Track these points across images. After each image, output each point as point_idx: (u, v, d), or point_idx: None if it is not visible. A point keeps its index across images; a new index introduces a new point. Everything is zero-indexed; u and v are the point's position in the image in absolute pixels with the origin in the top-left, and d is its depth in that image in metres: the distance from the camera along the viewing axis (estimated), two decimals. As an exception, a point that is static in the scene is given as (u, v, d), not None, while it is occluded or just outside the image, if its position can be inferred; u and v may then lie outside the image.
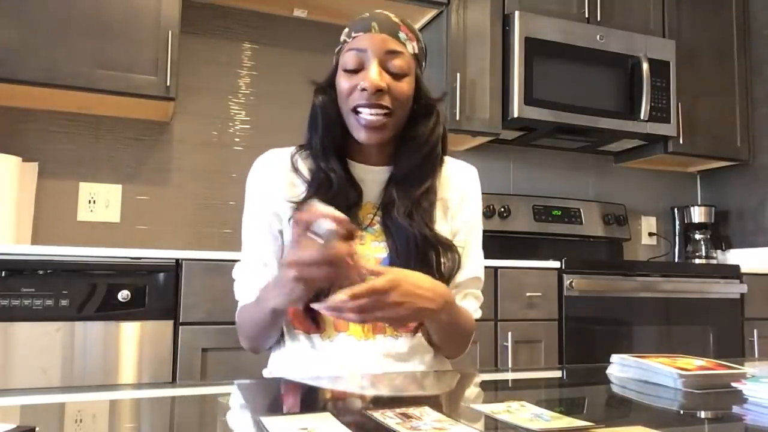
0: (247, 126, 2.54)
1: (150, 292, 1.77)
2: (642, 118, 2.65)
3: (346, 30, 1.09)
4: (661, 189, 3.25)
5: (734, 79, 2.98)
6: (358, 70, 1.04)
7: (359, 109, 1.03)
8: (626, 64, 2.68)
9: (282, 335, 1.10)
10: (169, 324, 1.78)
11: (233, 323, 1.83)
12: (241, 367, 1.83)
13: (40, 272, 1.68)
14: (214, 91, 2.50)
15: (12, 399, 0.78)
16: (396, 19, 1.08)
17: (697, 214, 3.06)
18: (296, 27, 2.63)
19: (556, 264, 2.24)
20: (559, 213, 2.88)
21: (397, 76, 1.04)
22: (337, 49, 1.11)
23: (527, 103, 2.51)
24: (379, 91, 1.01)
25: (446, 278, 1.06)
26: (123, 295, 1.73)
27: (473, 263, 1.13)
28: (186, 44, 2.37)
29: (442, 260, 1.05)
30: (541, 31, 2.55)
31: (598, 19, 2.70)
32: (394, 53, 1.04)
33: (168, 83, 2.08)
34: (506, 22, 2.56)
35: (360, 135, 1.05)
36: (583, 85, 2.61)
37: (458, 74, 2.45)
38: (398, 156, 1.11)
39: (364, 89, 1.01)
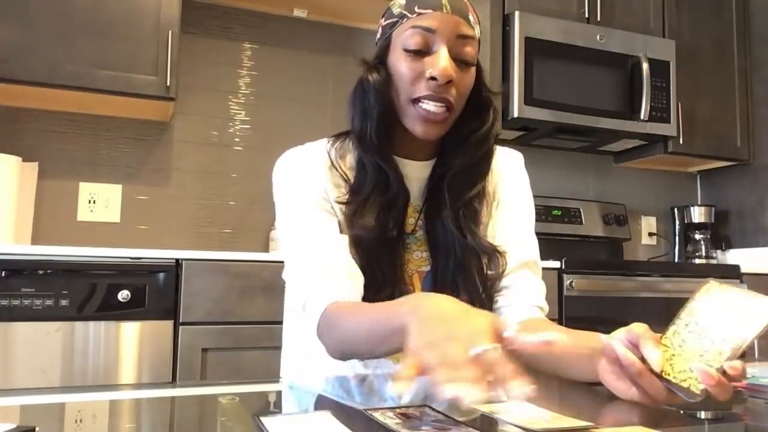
0: (247, 126, 2.54)
1: (150, 292, 1.77)
2: (642, 118, 2.65)
3: (402, 1, 0.93)
4: (661, 189, 3.25)
5: (734, 79, 2.98)
6: (422, 52, 0.90)
7: (423, 100, 0.90)
8: (626, 64, 2.68)
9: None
10: (169, 324, 1.78)
11: (233, 323, 1.82)
12: (241, 367, 1.83)
13: (40, 272, 1.68)
14: (214, 91, 2.50)
15: (12, 399, 0.78)
16: None
17: (697, 214, 3.06)
18: (296, 27, 2.63)
19: (556, 264, 2.24)
20: (559, 213, 2.87)
21: (464, 65, 0.92)
22: (389, 22, 0.95)
23: (527, 103, 2.51)
24: (448, 82, 0.89)
25: (490, 287, 0.98)
26: (123, 295, 1.73)
27: (522, 248, 1.02)
28: (186, 44, 2.37)
29: (485, 268, 0.97)
30: (541, 31, 2.55)
31: (598, 19, 2.70)
32: (464, 38, 0.91)
33: (168, 83, 2.07)
34: (506, 22, 2.56)
35: (417, 128, 0.92)
36: (583, 85, 2.61)
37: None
38: (447, 151, 0.99)
39: (432, 78, 0.88)
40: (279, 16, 2.60)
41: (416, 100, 0.90)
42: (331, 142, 1.01)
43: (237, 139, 2.52)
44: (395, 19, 0.93)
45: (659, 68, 2.72)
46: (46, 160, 2.25)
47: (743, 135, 2.96)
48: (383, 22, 0.97)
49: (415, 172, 1.00)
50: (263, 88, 2.57)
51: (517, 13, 2.52)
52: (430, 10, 0.90)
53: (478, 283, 0.96)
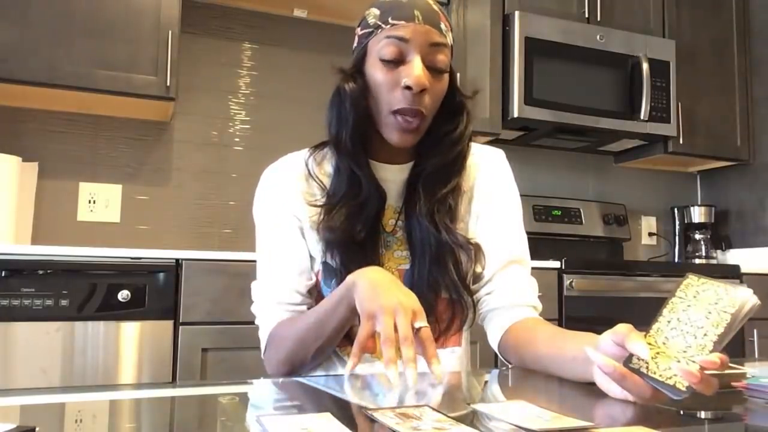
0: (247, 126, 2.54)
1: (150, 292, 1.77)
2: (642, 118, 2.66)
3: (377, 12, 0.96)
4: (661, 189, 3.25)
5: (734, 79, 2.98)
6: (397, 61, 0.93)
7: (399, 114, 0.93)
8: (626, 64, 2.68)
9: None
10: (169, 324, 1.78)
11: (233, 323, 1.82)
12: (241, 367, 1.83)
13: (40, 272, 1.68)
14: (214, 91, 2.50)
15: (12, 399, 0.78)
16: (436, 7, 0.96)
17: (697, 214, 3.06)
18: (296, 27, 2.63)
19: (556, 264, 2.24)
20: (559, 213, 2.88)
21: (437, 73, 0.94)
22: (364, 32, 0.97)
23: (527, 103, 2.51)
24: (422, 90, 0.92)
25: (469, 282, 1.02)
26: (123, 295, 1.73)
27: (508, 244, 1.04)
28: (186, 44, 2.37)
29: (460, 261, 0.99)
30: (541, 31, 2.55)
31: (598, 19, 2.70)
32: (437, 46, 0.94)
33: (168, 83, 2.08)
34: (506, 22, 2.56)
35: (392, 137, 0.95)
36: (583, 85, 2.61)
37: (458, 74, 2.45)
38: (423, 154, 1.02)
39: (407, 87, 0.91)
40: (279, 16, 2.60)
41: (395, 112, 0.94)
42: (310, 152, 1.06)
43: (237, 139, 2.52)
44: (370, 30, 0.96)
45: (659, 68, 2.72)
46: (46, 160, 2.25)
47: (743, 135, 2.96)
48: (359, 31, 0.99)
49: (394, 175, 1.03)
50: (263, 88, 2.57)
51: (517, 13, 2.52)
52: (403, 22, 0.93)
53: (456, 278, 0.98)
